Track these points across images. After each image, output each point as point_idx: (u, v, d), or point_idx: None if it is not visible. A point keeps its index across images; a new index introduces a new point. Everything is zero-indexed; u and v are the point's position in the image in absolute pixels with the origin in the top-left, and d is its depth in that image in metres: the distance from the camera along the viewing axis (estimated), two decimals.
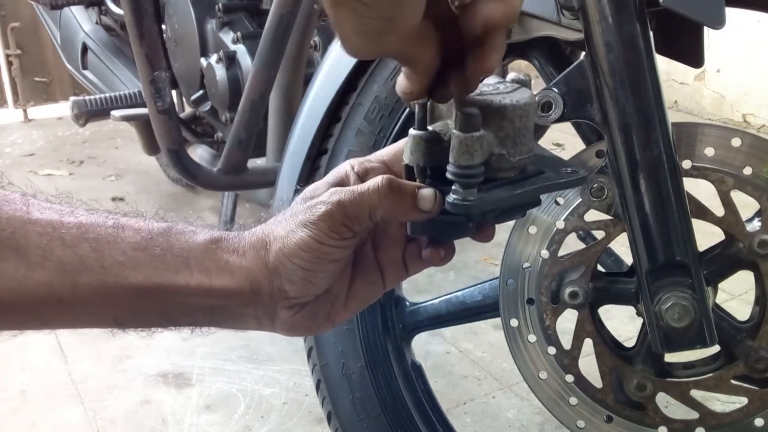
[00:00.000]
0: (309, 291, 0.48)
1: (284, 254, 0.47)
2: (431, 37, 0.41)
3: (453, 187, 0.45)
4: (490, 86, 0.48)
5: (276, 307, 0.49)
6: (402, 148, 0.50)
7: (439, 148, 0.46)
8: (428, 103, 0.47)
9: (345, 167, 0.50)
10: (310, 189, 0.50)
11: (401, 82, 0.44)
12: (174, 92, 1.78)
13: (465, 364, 1.38)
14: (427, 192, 0.46)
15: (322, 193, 0.48)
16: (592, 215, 0.69)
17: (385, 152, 0.52)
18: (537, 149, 0.50)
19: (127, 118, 1.71)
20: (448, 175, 0.45)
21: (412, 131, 0.47)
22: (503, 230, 0.56)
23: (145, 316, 0.48)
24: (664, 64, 0.65)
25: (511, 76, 0.50)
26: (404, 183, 0.47)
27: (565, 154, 0.57)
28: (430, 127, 0.47)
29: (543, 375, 0.73)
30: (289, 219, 0.48)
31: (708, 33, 0.68)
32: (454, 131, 0.44)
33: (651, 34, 0.63)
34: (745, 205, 0.66)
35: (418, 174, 0.48)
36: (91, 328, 0.48)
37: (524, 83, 0.49)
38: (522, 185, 0.47)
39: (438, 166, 0.46)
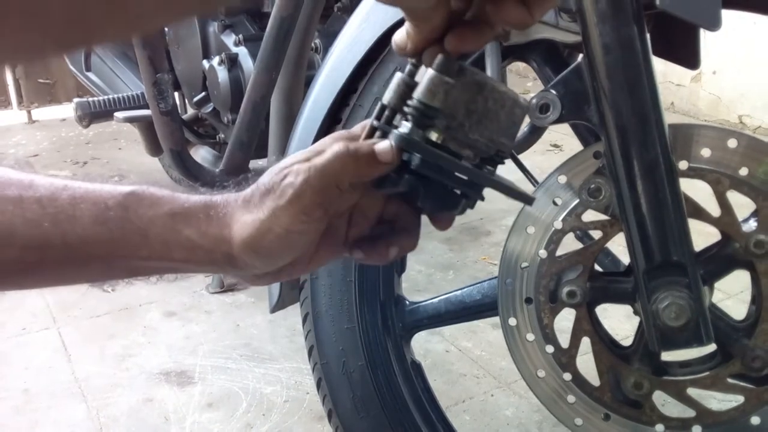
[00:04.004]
0: (270, 269, 0.50)
1: (250, 246, 0.47)
2: (445, 9, 0.43)
3: (403, 121, 0.45)
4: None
5: (238, 276, 0.52)
6: None
7: None
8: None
9: (326, 141, 0.50)
10: (285, 162, 0.49)
11: (399, 37, 0.45)
12: (176, 94, 1.79)
13: (464, 363, 1.39)
14: (383, 144, 0.47)
15: (290, 172, 0.47)
16: (590, 215, 0.70)
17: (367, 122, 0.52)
18: (502, 179, 0.51)
19: (130, 120, 1.72)
20: (405, 108, 0.45)
21: (398, 73, 0.48)
22: (502, 230, 0.57)
23: (114, 277, 0.51)
24: (660, 66, 0.65)
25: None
26: (360, 143, 0.47)
27: (563, 156, 0.58)
28: (417, 79, 0.47)
29: (541, 373, 0.73)
30: (258, 203, 0.47)
31: (704, 35, 0.68)
32: (430, 69, 0.45)
33: (648, 36, 0.63)
34: (742, 205, 0.67)
35: (387, 115, 0.48)
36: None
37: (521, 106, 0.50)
38: (469, 165, 0.47)
39: None
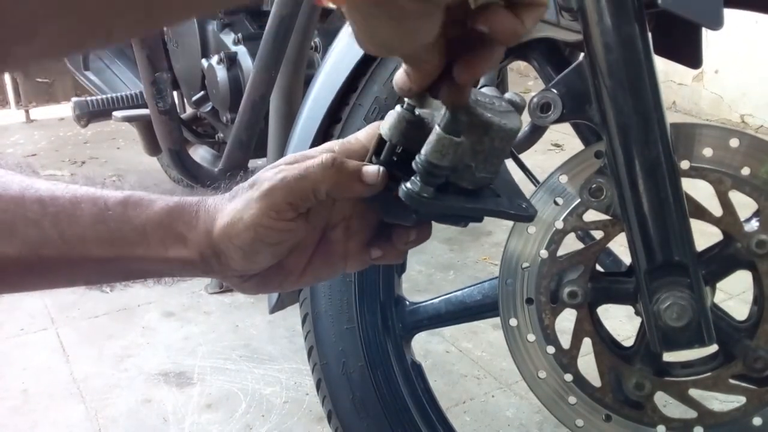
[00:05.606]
0: (252, 268, 0.50)
1: (225, 233, 0.48)
2: (440, 44, 0.42)
3: (413, 178, 0.45)
4: (486, 98, 0.48)
5: (225, 275, 0.51)
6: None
7: (417, 133, 0.46)
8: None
9: (320, 149, 0.51)
10: (276, 162, 0.50)
11: (401, 78, 0.45)
12: (175, 93, 1.79)
13: (464, 364, 1.39)
14: (371, 167, 0.47)
15: (273, 170, 0.48)
16: (591, 215, 0.69)
17: (364, 133, 0.52)
18: (504, 173, 0.52)
19: (128, 119, 1.72)
20: (414, 165, 0.45)
21: (398, 108, 0.47)
22: (503, 230, 0.57)
23: (110, 277, 0.51)
24: (662, 65, 0.65)
25: (508, 95, 0.50)
26: (348, 161, 0.48)
27: (565, 155, 0.58)
28: (417, 111, 0.47)
29: (542, 374, 0.73)
30: (241, 194, 0.49)
31: (706, 34, 0.68)
32: (437, 127, 0.44)
33: (649, 35, 0.63)
34: (744, 205, 0.67)
35: (387, 150, 0.48)
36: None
37: (518, 107, 0.50)
38: (474, 201, 0.48)
39: (409, 150, 0.46)
